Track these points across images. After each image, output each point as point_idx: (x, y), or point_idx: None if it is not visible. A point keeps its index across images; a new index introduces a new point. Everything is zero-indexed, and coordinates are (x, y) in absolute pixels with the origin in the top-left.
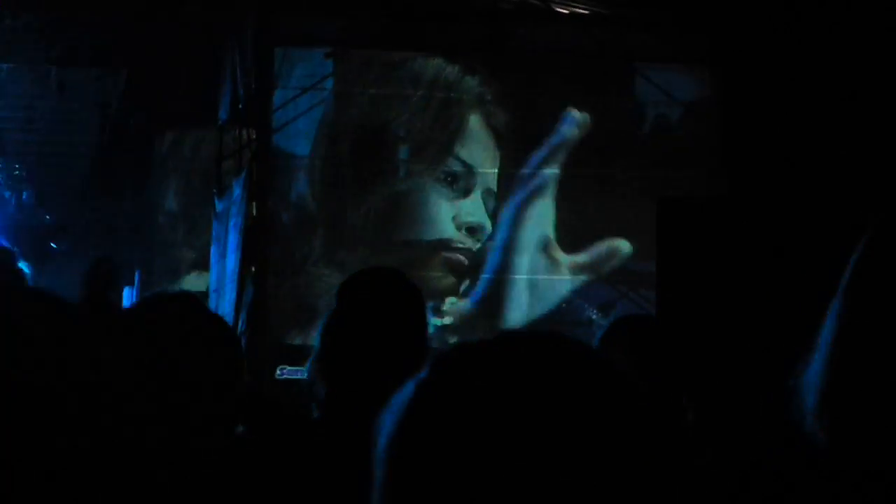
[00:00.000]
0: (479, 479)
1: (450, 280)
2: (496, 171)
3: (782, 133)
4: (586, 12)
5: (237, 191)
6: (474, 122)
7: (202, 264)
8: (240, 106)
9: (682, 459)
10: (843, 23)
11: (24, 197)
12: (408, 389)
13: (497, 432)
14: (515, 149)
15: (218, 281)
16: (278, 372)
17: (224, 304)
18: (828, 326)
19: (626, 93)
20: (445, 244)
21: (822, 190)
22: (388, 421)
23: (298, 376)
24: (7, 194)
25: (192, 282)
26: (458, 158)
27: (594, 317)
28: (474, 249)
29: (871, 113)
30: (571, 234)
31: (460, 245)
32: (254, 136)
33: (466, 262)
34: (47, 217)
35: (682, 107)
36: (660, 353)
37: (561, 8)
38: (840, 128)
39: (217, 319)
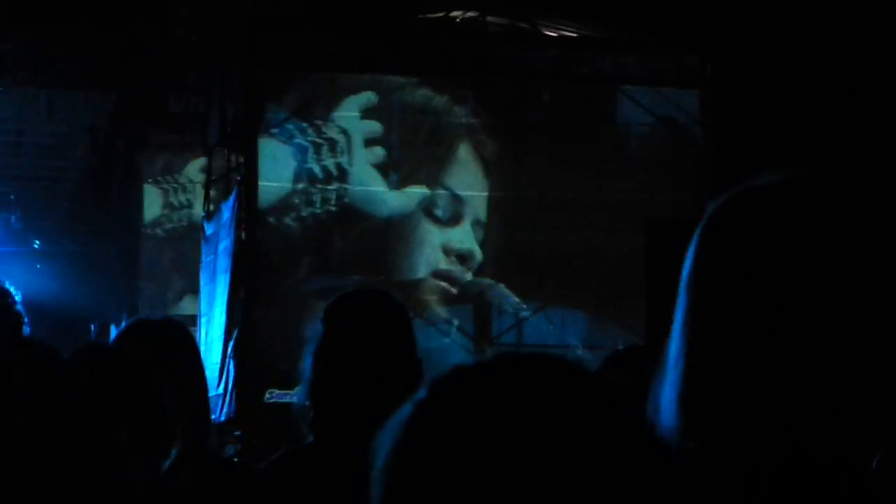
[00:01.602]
0: (476, 500)
1: (440, 309)
2: (486, 199)
3: (768, 154)
4: (574, 35)
5: (226, 214)
6: (463, 151)
7: (192, 288)
8: (228, 129)
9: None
10: (830, 48)
11: (12, 221)
12: (405, 410)
13: (495, 453)
14: (505, 178)
15: (207, 305)
16: (267, 395)
17: (214, 329)
18: (674, 333)
19: (613, 114)
20: (435, 272)
21: None
22: (385, 442)
23: (287, 399)
24: None
25: (186, 307)
26: (447, 187)
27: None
28: (464, 280)
29: (860, 136)
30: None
31: (450, 273)
32: (241, 160)
33: (455, 291)
34: (36, 242)
35: (668, 128)
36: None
37: (549, 31)
38: (827, 151)
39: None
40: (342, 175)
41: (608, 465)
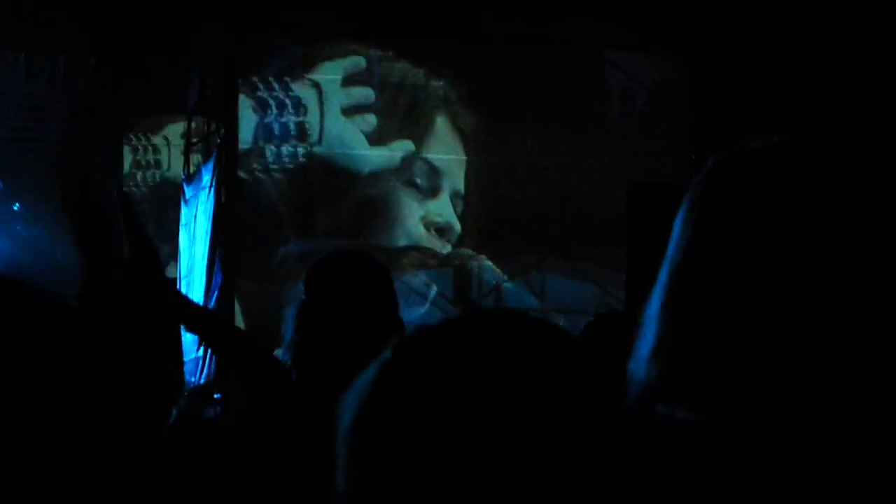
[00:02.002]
0: (442, 458)
1: (420, 282)
2: (463, 172)
3: (752, 119)
4: None
5: (206, 177)
6: (440, 123)
7: (175, 255)
8: (208, 93)
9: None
10: (824, 10)
11: None
12: (370, 370)
13: (460, 409)
14: (483, 147)
15: (188, 267)
16: None
17: (194, 291)
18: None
19: (595, 80)
20: (414, 246)
21: None
22: (351, 401)
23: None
24: None
25: (169, 272)
26: (425, 160)
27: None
28: (444, 252)
29: (846, 101)
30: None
31: (429, 247)
32: (221, 124)
33: (435, 262)
34: (16, 205)
35: (651, 93)
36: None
37: None
38: (812, 115)
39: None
40: (304, 134)
41: (574, 425)
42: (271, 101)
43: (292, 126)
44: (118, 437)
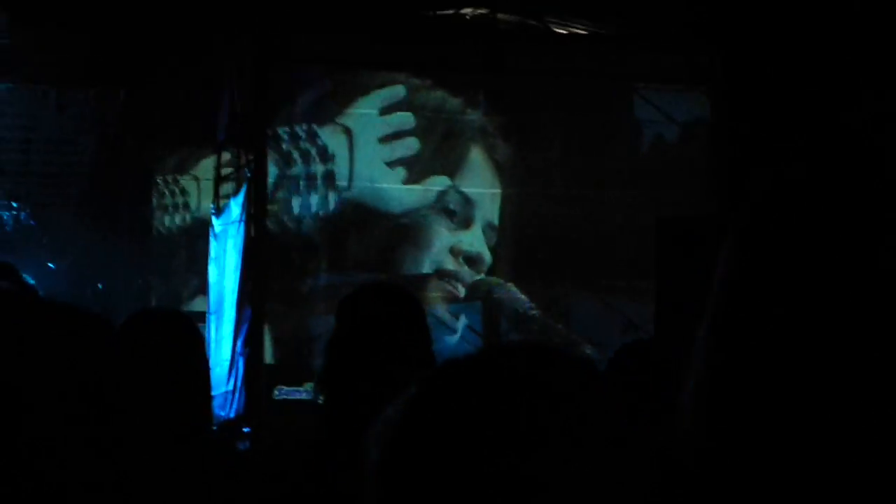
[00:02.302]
0: (469, 494)
1: (448, 312)
2: (497, 204)
3: (779, 153)
4: (584, 32)
5: (235, 210)
6: (475, 154)
7: (204, 289)
8: (238, 125)
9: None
10: (841, 47)
11: (21, 217)
12: (397, 405)
13: (486, 446)
14: (517, 181)
15: (217, 302)
16: (276, 392)
17: (223, 326)
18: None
19: (625, 113)
20: (442, 274)
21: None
22: (378, 435)
23: (296, 396)
24: (5, 215)
25: (200, 304)
26: (459, 191)
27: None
28: (471, 280)
29: (871, 135)
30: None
31: (457, 274)
32: (251, 157)
33: (463, 290)
34: (44, 238)
35: (680, 127)
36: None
37: (559, 28)
38: (838, 149)
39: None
40: (332, 179)
41: (600, 459)
42: (296, 154)
43: (320, 175)
44: (144, 462)
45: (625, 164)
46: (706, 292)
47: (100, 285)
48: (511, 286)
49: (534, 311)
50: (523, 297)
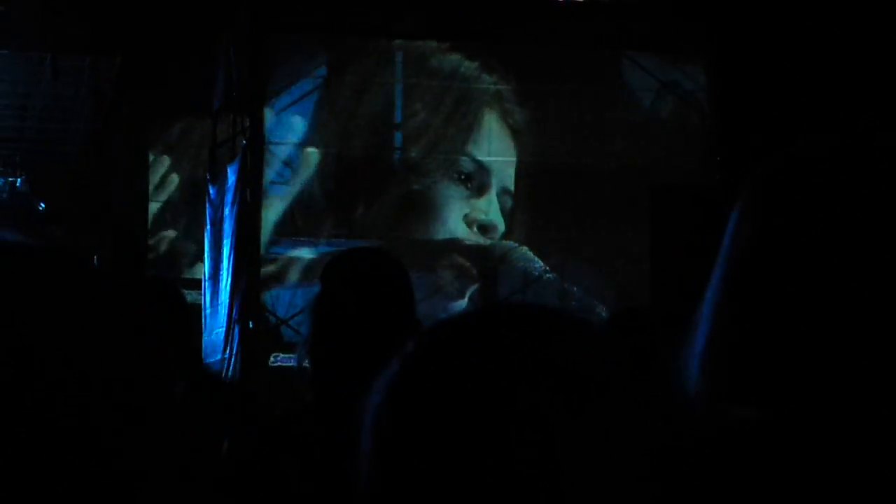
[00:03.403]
0: (465, 451)
1: (458, 279)
2: (513, 170)
3: (775, 120)
4: (581, 0)
5: (231, 177)
6: (490, 119)
7: (202, 255)
8: (233, 93)
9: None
10: (840, 12)
11: (17, 184)
12: (393, 364)
13: (482, 402)
14: (533, 145)
15: (213, 268)
16: (272, 359)
17: (220, 291)
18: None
19: (619, 81)
20: (455, 243)
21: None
22: (374, 396)
23: (292, 363)
24: (1, 181)
25: (197, 272)
26: (472, 157)
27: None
28: (485, 245)
29: (868, 102)
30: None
31: (470, 243)
32: (247, 123)
33: (477, 256)
34: (41, 204)
35: (676, 95)
36: (656, 340)
37: None
38: (835, 116)
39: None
40: (336, 144)
41: (599, 413)
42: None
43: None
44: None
45: (619, 130)
46: (701, 261)
47: (95, 257)
48: (525, 249)
49: (548, 275)
50: (538, 260)
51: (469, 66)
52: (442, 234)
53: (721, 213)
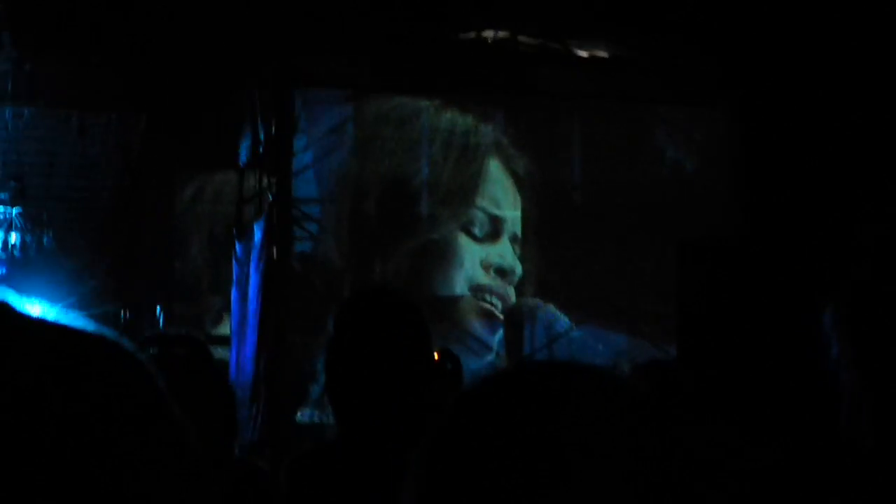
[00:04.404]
0: None
1: (485, 330)
2: (519, 215)
3: (802, 174)
4: (605, 55)
5: (258, 234)
6: (494, 167)
7: (229, 309)
8: (259, 150)
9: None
10: (862, 65)
11: (44, 241)
12: (435, 423)
13: (523, 463)
14: (537, 193)
15: (239, 325)
16: (298, 415)
17: (245, 349)
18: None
19: (645, 135)
20: (476, 289)
21: (841, 228)
22: (416, 456)
23: (320, 420)
24: (28, 238)
25: (223, 329)
26: (481, 207)
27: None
28: (506, 294)
29: (891, 156)
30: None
31: (491, 286)
32: (273, 180)
33: (499, 307)
34: (67, 262)
35: (701, 149)
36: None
37: (581, 51)
38: (859, 172)
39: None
40: (352, 201)
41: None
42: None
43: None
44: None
45: (645, 185)
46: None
47: (123, 312)
48: (552, 307)
49: (575, 332)
50: (564, 317)
51: (466, 120)
52: (461, 281)
53: (748, 268)
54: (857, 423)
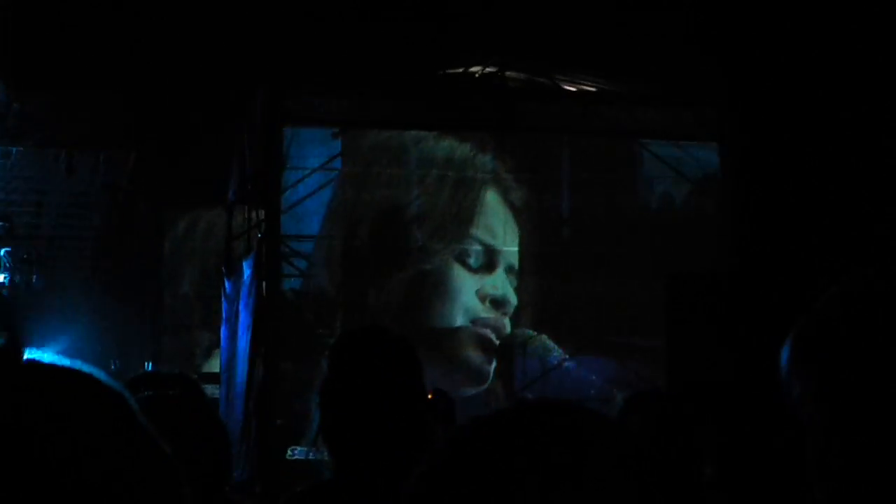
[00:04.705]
0: None
1: (481, 360)
2: (517, 248)
3: (790, 206)
4: (593, 89)
5: (247, 271)
6: (491, 198)
7: (219, 346)
8: (248, 186)
9: None
10: (848, 97)
11: (33, 281)
12: (424, 465)
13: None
14: (534, 226)
15: (228, 362)
16: (289, 452)
17: (235, 385)
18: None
19: (634, 169)
20: (472, 320)
21: (828, 263)
22: (407, 491)
23: (311, 457)
24: (18, 278)
25: (212, 366)
26: (477, 238)
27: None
28: (505, 331)
29: (881, 189)
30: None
31: (487, 318)
32: (262, 217)
33: (497, 342)
34: (56, 300)
35: (690, 182)
36: (674, 424)
37: (568, 86)
38: (848, 204)
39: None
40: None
41: None
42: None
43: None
44: None
45: (634, 218)
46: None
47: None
48: (545, 338)
49: (567, 363)
50: (557, 349)
51: (463, 150)
52: (457, 311)
53: (736, 300)
54: (823, 461)
